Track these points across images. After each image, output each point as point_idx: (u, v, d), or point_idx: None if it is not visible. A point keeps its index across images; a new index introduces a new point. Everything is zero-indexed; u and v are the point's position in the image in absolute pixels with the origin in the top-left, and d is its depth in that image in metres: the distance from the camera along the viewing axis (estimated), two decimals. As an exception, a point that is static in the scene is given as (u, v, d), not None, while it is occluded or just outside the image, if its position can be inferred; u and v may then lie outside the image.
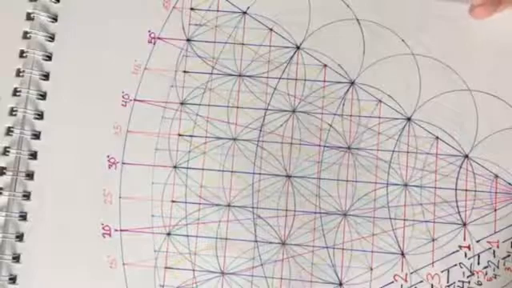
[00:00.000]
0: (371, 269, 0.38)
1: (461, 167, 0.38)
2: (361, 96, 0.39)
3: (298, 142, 0.39)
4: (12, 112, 0.40)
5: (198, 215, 0.39)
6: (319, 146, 0.39)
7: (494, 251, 0.37)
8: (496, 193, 0.38)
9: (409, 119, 0.39)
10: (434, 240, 0.37)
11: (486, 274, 0.37)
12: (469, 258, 0.37)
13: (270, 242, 0.38)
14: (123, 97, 0.40)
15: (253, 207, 0.39)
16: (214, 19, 0.41)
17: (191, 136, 0.40)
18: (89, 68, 0.41)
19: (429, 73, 0.39)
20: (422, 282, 0.37)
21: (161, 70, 0.40)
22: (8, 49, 0.41)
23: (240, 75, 0.40)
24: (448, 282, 0.37)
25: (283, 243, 0.38)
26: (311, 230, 0.38)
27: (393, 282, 0.37)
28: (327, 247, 0.38)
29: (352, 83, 0.39)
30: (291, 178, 0.39)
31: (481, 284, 0.37)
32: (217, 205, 0.39)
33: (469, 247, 0.37)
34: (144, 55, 0.40)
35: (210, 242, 0.39)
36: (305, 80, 0.40)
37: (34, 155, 0.40)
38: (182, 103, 0.40)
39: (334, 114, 0.39)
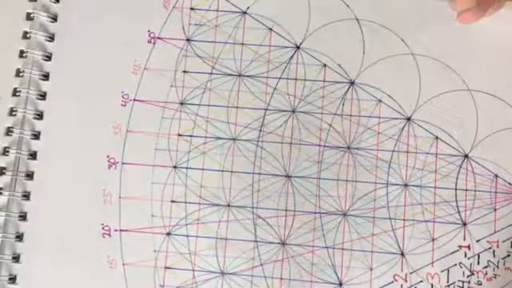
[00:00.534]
0: (371, 269, 0.38)
1: (461, 167, 0.38)
2: (360, 96, 0.39)
3: (298, 142, 0.39)
4: (12, 112, 0.40)
5: (198, 215, 0.39)
6: (319, 145, 0.39)
7: (493, 251, 0.37)
8: (496, 192, 0.38)
9: (408, 119, 0.39)
10: (433, 240, 0.37)
11: (486, 273, 0.37)
12: (469, 258, 0.37)
13: (270, 242, 0.38)
14: (123, 97, 0.40)
15: (252, 207, 0.39)
16: (214, 19, 0.41)
17: (191, 136, 0.40)
18: (88, 68, 0.41)
19: (428, 73, 0.39)
20: (421, 281, 0.37)
21: (160, 70, 0.40)
22: (8, 49, 0.41)
23: (240, 75, 0.40)
24: (448, 282, 0.37)
25: (283, 243, 0.38)
26: (311, 230, 0.38)
27: (393, 282, 0.37)
28: (327, 247, 0.38)
29: (352, 83, 0.39)
30: (291, 178, 0.39)
31: (481, 284, 0.37)
32: (216, 205, 0.39)
33: (469, 247, 0.37)
34: (144, 55, 0.40)
35: (210, 242, 0.39)
36: (304, 80, 0.40)
37: (33, 155, 0.40)
38: (181, 103, 0.40)
39: (334, 114, 0.39)
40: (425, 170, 0.38)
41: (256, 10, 0.41)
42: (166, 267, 0.38)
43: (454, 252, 0.37)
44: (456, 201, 0.38)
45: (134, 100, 0.40)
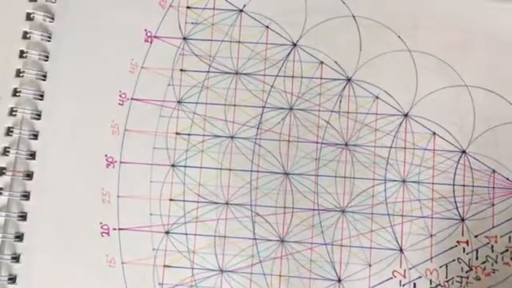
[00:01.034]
0: (370, 265, 0.38)
1: (458, 162, 0.38)
2: (358, 93, 0.39)
3: (296, 140, 0.39)
4: (12, 112, 0.40)
5: (197, 213, 0.39)
6: (317, 143, 0.39)
7: (492, 246, 0.37)
8: (494, 188, 0.38)
9: (406, 115, 0.39)
10: (432, 236, 0.38)
11: (485, 268, 0.37)
12: (467, 253, 0.37)
13: (269, 240, 0.38)
14: (120, 96, 0.40)
15: (251, 205, 0.39)
16: (211, 17, 0.41)
17: (189, 134, 0.40)
18: (85, 67, 0.41)
19: (425, 69, 0.39)
20: (420, 277, 0.37)
21: (158, 69, 0.40)
22: (8, 49, 0.41)
23: (237, 73, 0.40)
24: (446, 278, 0.37)
25: (282, 240, 0.38)
26: (310, 226, 0.38)
27: (391, 278, 0.37)
28: (326, 244, 0.38)
29: (349, 80, 0.39)
30: (289, 176, 0.39)
31: (479, 279, 0.37)
32: (215, 203, 0.39)
33: (467, 242, 0.37)
34: (141, 54, 0.40)
35: (209, 239, 0.39)
36: (301, 77, 0.40)
37: (32, 155, 0.40)
38: (179, 102, 0.40)
39: (331, 111, 0.39)
40: (422, 166, 0.38)
41: (252, 7, 0.41)
42: (164, 265, 0.39)
43: (452, 247, 0.37)
44: (454, 196, 0.38)
45: (132, 99, 0.40)
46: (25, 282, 0.39)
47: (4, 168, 0.40)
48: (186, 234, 0.39)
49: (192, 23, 0.41)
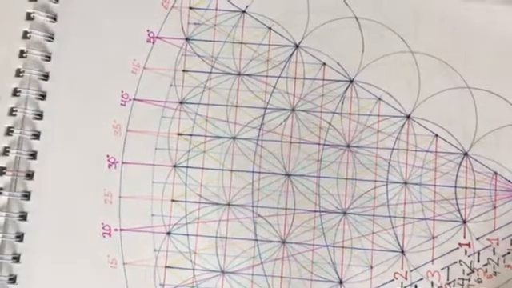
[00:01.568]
0: (371, 267, 0.38)
1: (460, 165, 0.38)
2: (360, 94, 0.39)
3: (298, 141, 0.39)
4: (12, 112, 0.40)
5: (198, 214, 0.39)
6: (319, 144, 0.39)
7: (493, 248, 0.37)
8: (496, 190, 0.38)
9: (408, 117, 0.39)
10: (433, 238, 0.38)
11: (486, 271, 0.37)
12: (469, 256, 0.37)
13: (270, 241, 0.38)
14: (122, 96, 0.40)
15: (253, 206, 0.39)
16: (213, 18, 0.41)
17: (191, 135, 0.40)
18: (88, 68, 0.41)
19: (428, 70, 0.39)
20: (422, 279, 0.37)
21: (160, 70, 0.40)
22: (8, 49, 0.41)
23: (239, 74, 0.40)
24: (448, 280, 0.37)
25: (283, 242, 0.38)
26: (311, 228, 0.38)
27: (393, 280, 0.37)
28: (327, 245, 0.38)
29: (351, 81, 0.39)
30: (291, 177, 0.39)
31: (481, 281, 0.37)
32: (217, 204, 0.39)
33: (469, 245, 0.37)
34: (143, 54, 0.40)
35: (210, 240, 0.39)
36: (304, 78, 0.40)
37: (33, 155, 0.40)
38: (181, 102, 0.40)
39: (334, 113, 0.39)
40: (424, 168, 0.38)
41: (255, 9, 0.41)
42: (166, 266, 0.38)
43: (454, 250, 0.37)
44: (456, 198, 0.38)
45: (134, 99, 0.40)
46: (25, 282, 0.39)
47: (4, 168, 0.40)
48: (188, 234, 0.39)
49: (194, 24, 0.41)
